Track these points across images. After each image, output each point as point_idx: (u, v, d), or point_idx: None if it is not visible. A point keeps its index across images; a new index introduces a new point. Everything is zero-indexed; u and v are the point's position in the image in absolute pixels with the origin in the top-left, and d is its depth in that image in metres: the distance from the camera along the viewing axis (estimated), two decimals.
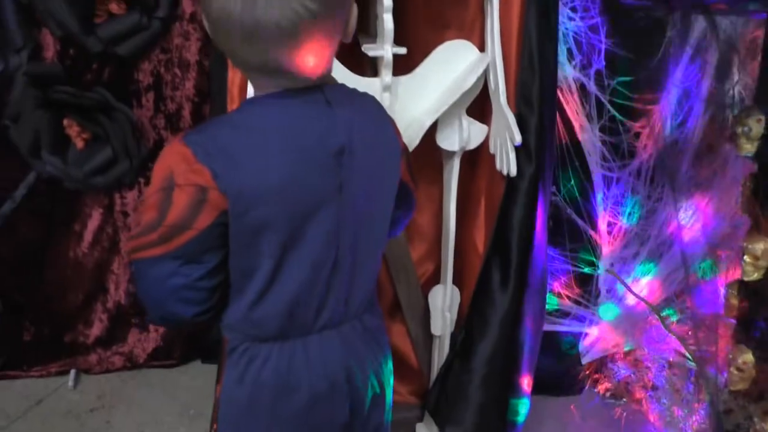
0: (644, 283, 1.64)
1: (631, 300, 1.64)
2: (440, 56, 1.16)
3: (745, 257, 0.95)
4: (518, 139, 1.07)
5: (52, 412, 1.73)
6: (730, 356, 0.97)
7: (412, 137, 1.13)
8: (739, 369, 0.96)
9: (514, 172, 1.10)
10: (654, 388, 1.22)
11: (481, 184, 1.26)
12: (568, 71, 1.62)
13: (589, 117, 1.64)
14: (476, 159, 1.25)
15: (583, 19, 1.59)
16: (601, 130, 1.65)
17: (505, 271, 1.14)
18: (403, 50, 1.11)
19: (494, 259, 1.16)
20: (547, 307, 1.73)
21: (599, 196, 1.69)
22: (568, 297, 1.74)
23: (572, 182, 1.69)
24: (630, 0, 1.33)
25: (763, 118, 0.90)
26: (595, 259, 1.71)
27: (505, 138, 1.11)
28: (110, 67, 1.76)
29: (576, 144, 1.66)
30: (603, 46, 1.59)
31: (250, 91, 1.08)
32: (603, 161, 1.67)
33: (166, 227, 0.72)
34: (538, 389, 1.72)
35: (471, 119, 1.20)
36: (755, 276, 0.94)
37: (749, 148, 0.93)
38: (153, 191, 0.75)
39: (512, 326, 1.16)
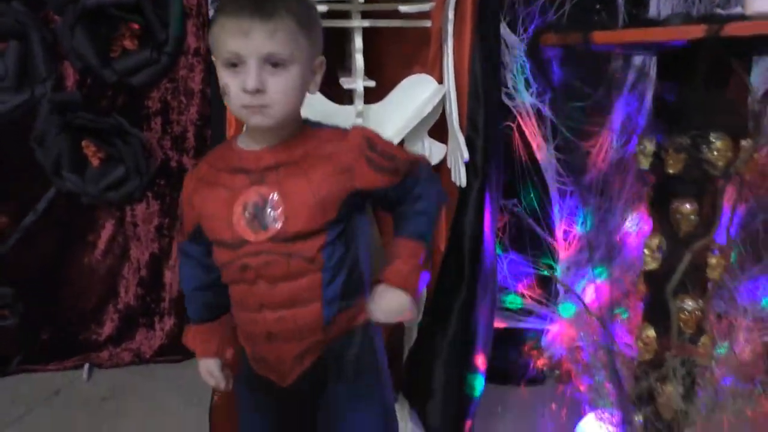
0: (597, 284, 1.85)
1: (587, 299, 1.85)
2: (405, 87, 1.38)
3: (645, 250, 1.15)
4: (466, 156, 1.29)
5: (69, 401, 1.92)
6: (638, 332, 1.17)
7: None
8: (644, 342, 1.16)
9: (464, 183, 1.32)
10: (587, 365, 1.42)
11: None
12: (525, 98, 1.85)
13: (545, 137, 1.87)
14: (439, 174, 1.47)
15: None
16: (556, 149, 1.88)
17: (460, 268, 1.35)
18: (372, 83, 1.33)
19: (450, 257, 1.37)
20: (511, 306, 1.95)
21: (556, 208, 1.91)
22: (531, 297, 1.95)
23: (532, 195, 1.90)
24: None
25: (654, 138, 1.11)
26: (553, 263, 1.93)
27: (457, 156, 1.33)
28: (123, 94, 1.99)
29: (534, 161, 1.89)
30: (555, 76, 1.83)
31: None
32: (558, 176, 1.89)
33: None
34: (503, 380, 1.95)
35: (432, 140, 1.42)
36: (653, 266, 1.15)
37: (645, 163, 1.14)
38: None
39: (467, 313, 1.36)
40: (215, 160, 1.04)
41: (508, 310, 1.94)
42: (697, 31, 0.87)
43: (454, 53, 1.36)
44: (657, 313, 1.13)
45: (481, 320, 1.39)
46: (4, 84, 1.89)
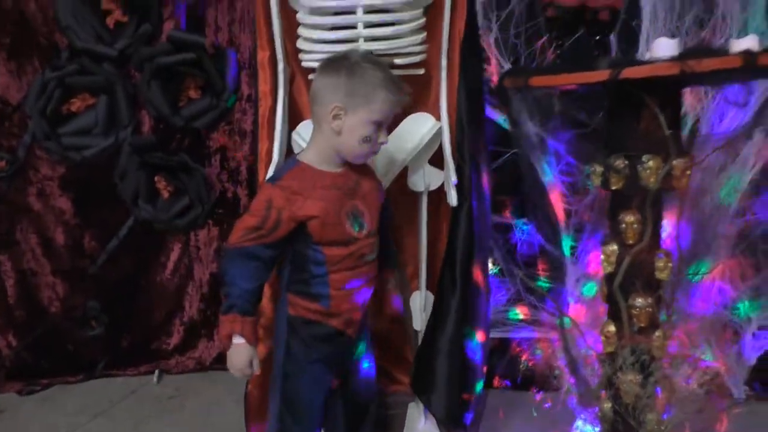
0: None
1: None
2: (407, 124, 1.64)
3: (602, 256, 1.34)
4: (454, 179, 1.53)
5: (143, 399, 2.25)
6: (601, 329, 1.35)
7: (389, 178, 1.61)
8: (606, 336, 1.33)
9: (454, 203, 1.56)
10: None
11: (444, 214, 1.72)
12: (531, 128, 2.07)
13: (548, 163, 2.07)
14: (441, 196, 1.71)
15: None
16: (561, 172, 2.08)
17: (453, 274, 1.58)
18: None
19: (446, 265, 1.60)
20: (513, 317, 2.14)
21: (562, 226, 2.10)
22: (543, 309, 2.13)
23: (539, 215, 2.10)
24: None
25: (601, 160, 1.30)
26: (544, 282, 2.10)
27: (449, 180, 1.57)
28: (189, 137, 2.36)
29: (541, 184, 2.09)
30: (557, 108, 2.04)
31: (274, 158, 1.59)
32: (563, 197, 2.09)
33: None
34: (519, 386, 2.13)
35: (432, 167, 1.67)
36: (609, 269, 1.32)
37: (597, 181, 1.33)
38: None
39: (462, 314, 1.58)
40: (304, 179, 1.36)
41: (513, 320, 2.13)
42: (603, 75, 1.08)
43: (447, 94, 1.62)
44: (615, 310, 1.31)
45: (476, 320, 1.60)
46: (95, 131, 2.29)
